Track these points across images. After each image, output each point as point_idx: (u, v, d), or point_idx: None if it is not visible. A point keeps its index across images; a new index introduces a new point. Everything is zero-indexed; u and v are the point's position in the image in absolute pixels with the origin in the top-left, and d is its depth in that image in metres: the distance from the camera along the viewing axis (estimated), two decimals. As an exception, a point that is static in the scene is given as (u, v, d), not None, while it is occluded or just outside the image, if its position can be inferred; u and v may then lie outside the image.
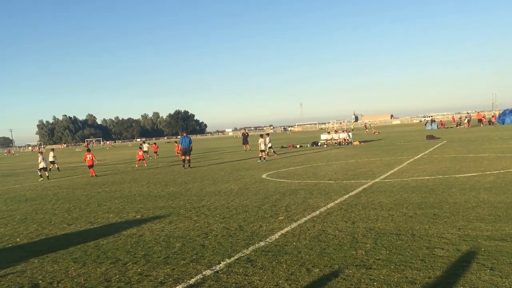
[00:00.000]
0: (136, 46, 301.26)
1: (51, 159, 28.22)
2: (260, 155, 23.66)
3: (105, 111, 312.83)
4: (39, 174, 22.61)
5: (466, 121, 58.98)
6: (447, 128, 57.23)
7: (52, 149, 31.31)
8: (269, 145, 26.00)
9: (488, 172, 12.82)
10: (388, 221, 7.60)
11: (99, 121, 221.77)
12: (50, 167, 27.28)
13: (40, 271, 6.25)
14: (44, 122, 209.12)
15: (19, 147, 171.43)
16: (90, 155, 22.14)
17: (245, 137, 37.69)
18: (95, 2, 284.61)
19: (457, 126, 60.22)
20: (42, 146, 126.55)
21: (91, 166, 21.98)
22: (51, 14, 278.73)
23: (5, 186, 20.40)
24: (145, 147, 35.21)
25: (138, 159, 27.71)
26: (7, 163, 50.08)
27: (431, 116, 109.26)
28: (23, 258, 6.98)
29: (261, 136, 24.72)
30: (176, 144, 30.32)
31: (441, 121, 67.48)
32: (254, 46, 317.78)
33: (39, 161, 22.84)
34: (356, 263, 5.58)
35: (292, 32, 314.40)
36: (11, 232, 9.22)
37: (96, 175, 21.43)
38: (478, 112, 73.48)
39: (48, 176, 22.41)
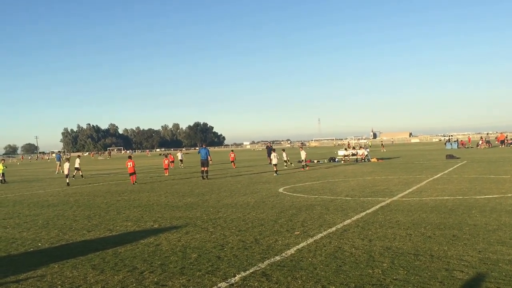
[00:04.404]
0: (159, 59, 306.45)
1: (76, 165, 28.98)
2: (275, 169, 24.07)
3: (126, 121, 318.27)
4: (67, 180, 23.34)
5: (485, 141, 57.88)
6: (467, 148, 56.23)
7: (78, 156, 32.15)
8: (281, 158, 26.07)
9: (509, 195, 12.54)
10: (406, 241, 7.52)
11: (120, 131, 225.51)
12: (74, 174, 28.00)
13: (60, 276, 6.39)
14: (69, 130, 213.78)
15: (43, 153, 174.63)
16: (131, 163, 21.86)
17: (269, 150, 38.05)
18: (118, 13, 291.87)
19: (477, 146, 59.09)
20: (66, 154, 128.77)
21: (132, 174, 21.76)
22: (78, 24, 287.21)
23: (29, 191, 20.90)
24: (180, 155, 37.44)
25: (165, 167, 29.06)
26: (33, 169, 51.42)
27: (451, 136, 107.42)
28: (43, 263, 7.15)
29: (283, 150, 25.11)
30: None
31: (461, 140, 66.33)
32: (274, 60, 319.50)
33: (67, 167, 23.88)
34: (372, 282, 5.53)
35: (312, 47, 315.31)
36: (33, 236, 9.46)
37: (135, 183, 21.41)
38: (501, 133, 71.76)
39: (68, 183, 22.98)
